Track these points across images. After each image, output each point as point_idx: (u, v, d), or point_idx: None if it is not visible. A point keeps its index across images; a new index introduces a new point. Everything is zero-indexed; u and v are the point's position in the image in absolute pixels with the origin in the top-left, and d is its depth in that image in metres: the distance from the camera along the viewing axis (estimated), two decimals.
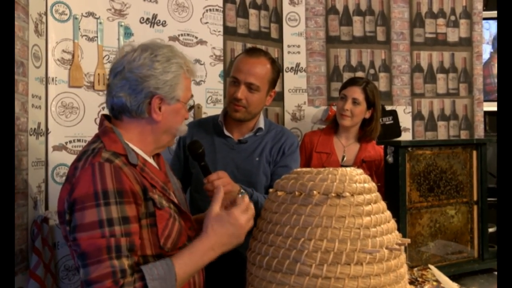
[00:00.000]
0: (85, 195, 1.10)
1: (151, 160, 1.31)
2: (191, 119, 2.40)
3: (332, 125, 2.40)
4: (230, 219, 1.19)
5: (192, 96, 1.34)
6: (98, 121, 1.36)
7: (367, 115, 2.30)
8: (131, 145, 1.25)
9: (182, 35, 2.41)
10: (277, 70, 1.88)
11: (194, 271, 1.18)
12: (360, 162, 2.25)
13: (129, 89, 1.22)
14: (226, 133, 1.87)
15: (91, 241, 1.07)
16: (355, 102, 2.25)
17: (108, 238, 1.08)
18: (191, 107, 1.38)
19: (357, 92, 2.25)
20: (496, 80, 3.79)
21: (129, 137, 1.26)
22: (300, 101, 2.86)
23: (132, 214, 1.14)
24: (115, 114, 1.28)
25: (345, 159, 2.30)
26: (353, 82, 2.31)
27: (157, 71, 1.22)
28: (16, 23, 1.65)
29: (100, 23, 2.15)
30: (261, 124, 1.88)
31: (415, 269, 1.72)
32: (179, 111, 1.29)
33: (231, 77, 1.83)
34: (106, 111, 1.32)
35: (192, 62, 1.33)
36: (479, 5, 3.10)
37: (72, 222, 1.11)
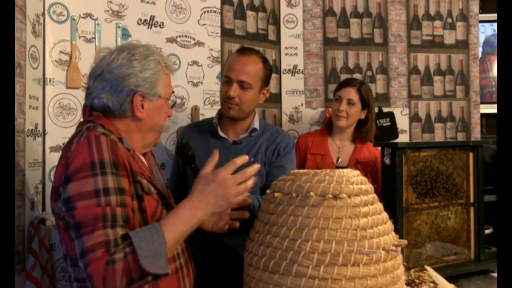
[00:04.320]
0: (82, 165, 1.11)
1: (140, 156, 1.33)
2: (187, 120, 2.40)
3: (327, 126, 2.41)
4: (215, 178, 1.18)
5: (173, 92, 1.36)
6: None
7: (362, 116, 2.31)
8: None
9: (179, 36, 2.41)
10: (269, 68, 1.89)
11: (183, 232, 1.16)
12: (354, 163, 2.25)
13: (110, 89, 1.23)
14: (221, 134, 1.87)
15: (86, 210, 1.08)
16: (350, 102, 2.26)
17: (104, 207, 1.08)
18: (174, 104, 1.39)
19: (351, 93, 2.26)
20: (490, 74, 3.80)
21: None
22: (298, 102, 2.87)
23: (127, 188, 1.15)
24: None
25: (339, 160, 2.31)
26: (347, 83, 2.32)
27: (135, 69, 1.24)
28: None
29: (98, 24, 2.15)
30: (256, 124, 1.89)
31: (412, 270, 1.73)
32: (161, 107, 1.31)
33: (224, 76, 1.85)
34: None
35: (169, 59, 1.35)
36: (475, 8, 3.11)
37: (66, 193, 1.10)
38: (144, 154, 1.39)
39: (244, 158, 1.23)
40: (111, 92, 1.23)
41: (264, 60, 1.87)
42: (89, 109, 1.29)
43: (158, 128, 1.33)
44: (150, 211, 1.21)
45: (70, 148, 1.16)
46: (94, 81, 1.26)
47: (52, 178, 1.99)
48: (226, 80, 1.83)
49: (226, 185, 1.18)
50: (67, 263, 1.22)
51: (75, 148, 1.14)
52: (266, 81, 1.88)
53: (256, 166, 1.22)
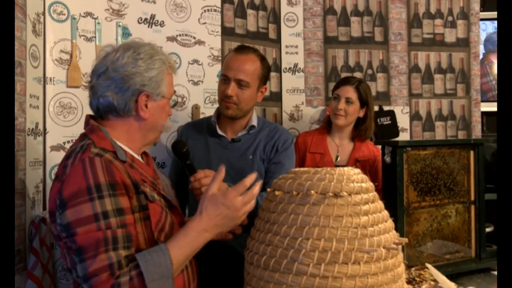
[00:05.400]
0: (78, 190, 1.10)
1: (139, 157, 1.32)
2: (188, 119, 2.40)
3: (326, 125, 2.41)
4: (225, 201, 1.16)
5: (175, 92, 1.36)
6: None
7: (361, 114, 2.31)
8: (118, 143, 1.26)
9: (180, 35, 2.41)
10: (267, 66, 1.89)
11: (190, 253, 1.17)
12: (354, 162, 2.26)
13: (116, 88, 1.23)
14: (219, 132, 1.87)
15: (87, 235, 1.08)
16: (348, 101, 2.26)
17: (104, 231, 1.08)
18: (175, 104, 1.40)
19: (350, 91, 2.26)
20: (491, 78, 3.80)
21: (116, 135, 1.27)
22: (298, 101, 2.86)
23: (126, 206, 1.14)
24: (101, 114, 1.28)
25: (339, 159, 2.31)
26: (345, 81, 2.32)
27: (141, 68, 1.24)
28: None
29: (98, 23, 2.15)
30: (254, 121, 1.89)
31: (413, 268, 1.73)
32: (164, 107, 1.31)
33: (222, 75, 1.85)
34: None
35: (172, 58, 1.35)
36: (476, 6, 3.11)
37: (65, 219, 1.10)
38: (146, 157, 1.39)
39: (252, 176, 1.19)
40: (116, 90, 1.23)
41: (262, 58, 1.87)
42: (88, 117, 1.29)
43: (160, 128, 1.33)
44: (154, 218, 1.21)
45: (65, 170, 1.14)
46: (98, 78, 1.25)
47: (53, 177, 2.00)
48: (224, 78, 1.83)
49: (236, 207, 1.17)
50: (73, 275, 1.20)
51: (70, 171, 1.13)
52: (264, 80, 1.88)
53: (253, 176, 1.20)
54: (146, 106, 1.26)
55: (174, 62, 1.36)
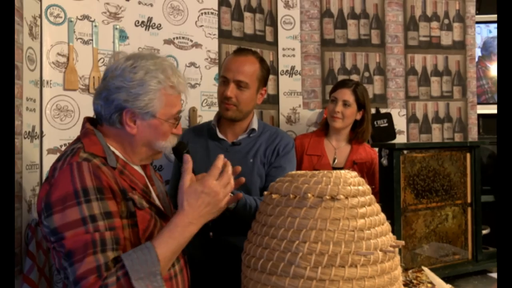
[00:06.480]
0: (65, 195, 1.10)
1: (132, 165, 1.30)
2: (185, 122, 2.40)
3: (323, 127, 2.41)
4: (204, 188, 1.17)
5: (178, 112, 1.29)
6: None
7: (358, 117, 2.32)
8: (112, 148, 1.25)
9: (177, 38, 2.41)
10: (266, 68, 1.89)
11: (177, 248, 1.16)
12: (351, 164, 2.26)
13: (104, 98, 1.22)
14: (220, 135, 1.87)
15: (75, 238, 1.08)
16: (345, 104, 2.27)
17: (92, 233, 1.08)
18: (177, 123, 1.33)
19: (347, 94, 2.27)
20: (484, 82, 3.81)
21: (110, 141, 1.26)
22: (295, 104, 2.87)
23: (114, 209, 1.14)
24: (97, 119, 1.29)
25: (336, 161, 2.31)
26: (343, 84, 2.33)
27: (130, 83, 1.19)
28: None
29: (95, 26, 2.15)
30: (254, 125, 1.89)
31: (410, 271, 1.73)
32: (157, 127, 1.25)
33: (221, 77, 1.86)
34: None
35: (180, 76, 1.27)
36: (472, 9, 3.13)
37: (52, 224, 1.10)
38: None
39: (221, 157, 1.23)
40: (103, 101, 1.22)
41: (261, 60, 1.87)
42: (85, 120, 1.29)
43: (154, 147, 1.28)
44: (142, 225, 1.20)
45: (54, 173, 1.14)
46: (101, 83, 1.26)
47: None
48: (223, 80, 1.83)
49: (216, 192, 1.18)
50: (61, 276, 1.21)
51: (58, 175, 1.13)
52: (263, 81, 1.88)
53: (221, 156, 1.24)
54: (134, 122, 1.23)
55: (180, 80, 1.26)
